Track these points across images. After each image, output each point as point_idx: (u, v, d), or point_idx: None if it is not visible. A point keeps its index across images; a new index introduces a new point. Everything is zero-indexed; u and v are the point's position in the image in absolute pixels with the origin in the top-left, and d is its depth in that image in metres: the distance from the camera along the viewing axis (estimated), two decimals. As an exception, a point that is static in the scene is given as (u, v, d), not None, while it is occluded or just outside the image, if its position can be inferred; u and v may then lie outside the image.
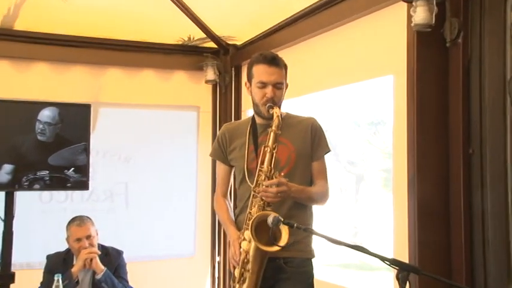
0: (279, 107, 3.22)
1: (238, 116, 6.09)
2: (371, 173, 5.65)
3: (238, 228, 3.28)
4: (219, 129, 3.75)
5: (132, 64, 6.02)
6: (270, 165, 3.09)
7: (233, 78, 6.27)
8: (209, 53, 6.20)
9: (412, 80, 3.61)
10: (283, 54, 3.63)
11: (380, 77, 4.08)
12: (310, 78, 4.89)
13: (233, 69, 6.27)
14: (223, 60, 6.24)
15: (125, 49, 5.95)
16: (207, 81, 6.26)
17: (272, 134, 3.13)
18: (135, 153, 6.11)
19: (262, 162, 3.11)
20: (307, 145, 3.37)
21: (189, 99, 6.37)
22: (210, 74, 6.19)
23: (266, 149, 3.10)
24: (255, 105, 3.35)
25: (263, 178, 3.11)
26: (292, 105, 4.02)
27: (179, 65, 6.24)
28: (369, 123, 5.46)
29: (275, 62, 3.28)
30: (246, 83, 3.40)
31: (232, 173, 3.50)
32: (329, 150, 3.38)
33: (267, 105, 3.22)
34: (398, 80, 3.87)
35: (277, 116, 3.13)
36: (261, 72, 3.27)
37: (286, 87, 3.35)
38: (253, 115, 3.41)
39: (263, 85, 3.24)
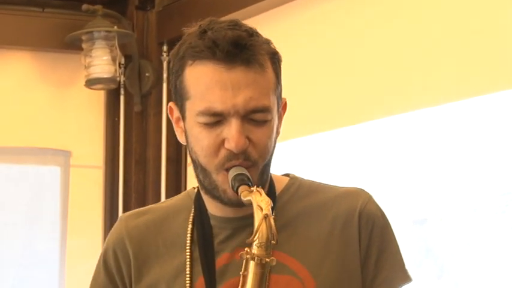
0: (261, 181, 1.79)
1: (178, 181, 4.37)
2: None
3: None
4: (113, 230, 1.96)
5: None
6: None
7: (163, 73, 4.25)
8: (100, 5, 4.25)
9: None
10: (272, 22, 3.63)
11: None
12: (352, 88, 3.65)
13: (165, 47, 4.25)
14: (137, 26, 4.40)
15: None
16: (90, 83, 4.18)
17: (253, 269, 1.73)
18: None
19: None
20: (351, 266, 1.92)
21: (43, 133, 4.50)
22: (101, 62, 4.21)
23: None
24: (200, 168, 1.85)
25: None
26: (294, 151, 3.52)
27: (16, 38, 4.33)
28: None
29: (242, 52, 1.77)
30: (170, 108, 1.94)
31: None
32: (408, 280, 1.91)
33: (232, 174, 1.76)
34: None
35: (265, 218, 1.67)
36: (208, 84, 1.79)
37: (284, 111, 1.90)
38: (198, 192, 1.90)
39: (215, 119, 1.79)
